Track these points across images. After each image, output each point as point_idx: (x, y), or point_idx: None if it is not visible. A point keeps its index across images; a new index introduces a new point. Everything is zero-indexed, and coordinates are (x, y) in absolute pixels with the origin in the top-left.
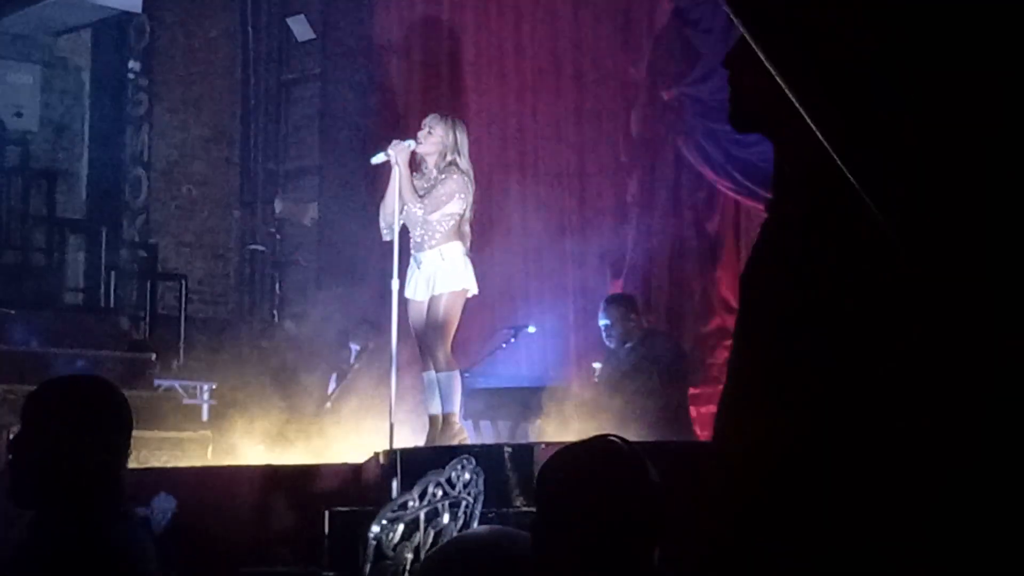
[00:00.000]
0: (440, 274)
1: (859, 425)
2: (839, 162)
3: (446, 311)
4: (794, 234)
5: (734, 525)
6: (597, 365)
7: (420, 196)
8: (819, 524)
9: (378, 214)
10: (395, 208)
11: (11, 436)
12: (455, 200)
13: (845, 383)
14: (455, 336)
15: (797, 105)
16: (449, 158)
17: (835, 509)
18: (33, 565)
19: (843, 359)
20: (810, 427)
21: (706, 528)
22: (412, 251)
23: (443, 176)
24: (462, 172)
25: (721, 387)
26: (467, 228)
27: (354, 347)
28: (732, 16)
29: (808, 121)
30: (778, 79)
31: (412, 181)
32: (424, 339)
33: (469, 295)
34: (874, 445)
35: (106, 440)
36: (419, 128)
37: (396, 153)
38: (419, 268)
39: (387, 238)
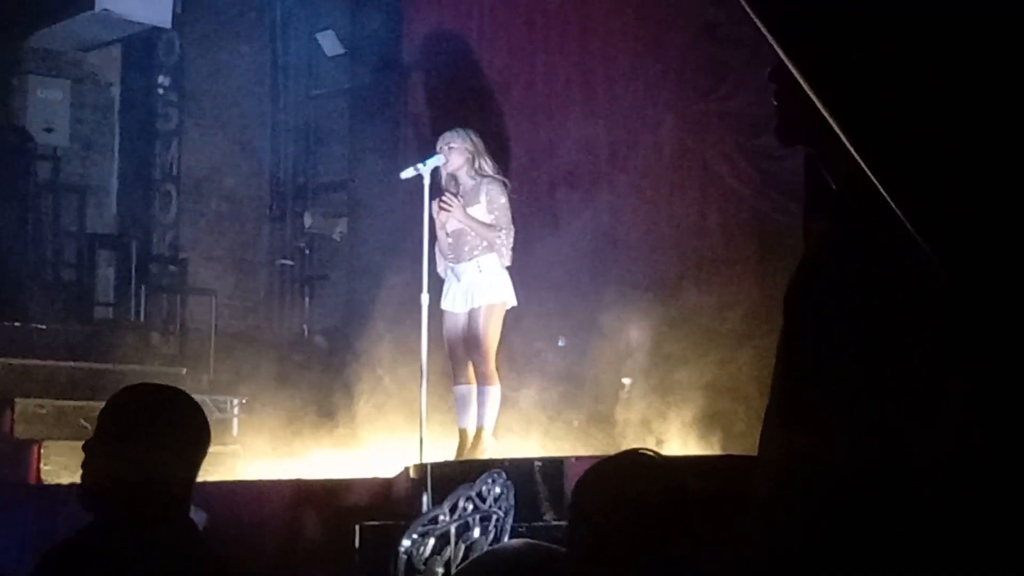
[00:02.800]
0: (478, 286)
1: (904, 436)
2: (872, 175)
3: (486, 324)
4: (841, 246)
5: (779, 539)
6: (627, 380)
7: (495, 227)
8: (866, 540)
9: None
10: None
11: (83, 442)
12: (507, 207)
13: (889, 395)
14: (498, 350)
15: (828, 117)
16: (477, 162)
17: (882, 524)
18: (85, 566)
19: (885, 371)
20: (854, 440)
21: (750, 543)
22: (450, 263)
23: (482, 186)
24: (495, 176)
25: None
26: (507, 235)
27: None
28: (762, 29)
29: (840, 133)
30: (809, 92)
31: (481, 223)
32: (459, 352)
33: (508, 307)
34: (920, 456)
35: (178, 454)
36: (440, 148)
37: (427, 171)
38: (458, 280)
39: (447, 274)
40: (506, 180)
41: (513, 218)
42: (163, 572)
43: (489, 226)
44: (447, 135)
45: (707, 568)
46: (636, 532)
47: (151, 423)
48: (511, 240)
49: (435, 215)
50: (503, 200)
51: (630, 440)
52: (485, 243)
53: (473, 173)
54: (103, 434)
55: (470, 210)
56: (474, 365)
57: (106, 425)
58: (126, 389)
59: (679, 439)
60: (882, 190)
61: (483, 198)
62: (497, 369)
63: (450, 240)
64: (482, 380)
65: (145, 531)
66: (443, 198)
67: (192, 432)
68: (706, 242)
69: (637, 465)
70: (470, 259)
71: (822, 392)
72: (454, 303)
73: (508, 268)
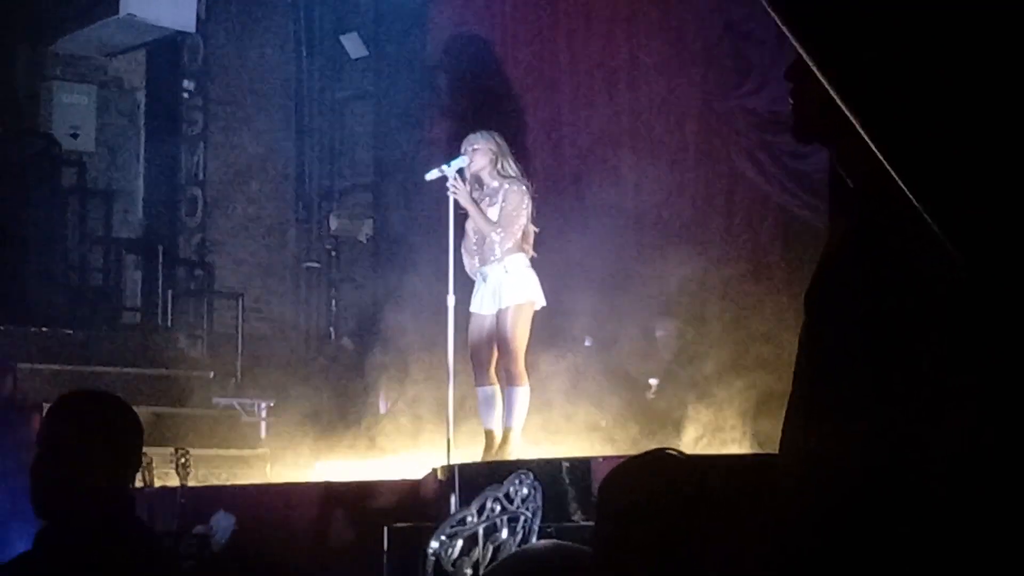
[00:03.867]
0: (506, 287)
1: (918, 438)
2: (893, 173)
3: (514, 324)
4: (856, 247)
5: (795, 538)
6: (654, 381)
7: (494, 223)
8: (881, 540)
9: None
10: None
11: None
12: (521, 213)
13: (901, 397)
14: (527, 350)
15: (849, 115)
16: (500, 163)
17: (896, 525)
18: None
19: (897, 373)
20: (868, 441)
21: (774, 541)
22: (478, 264)
23: (503, 187)
24: (517, 178)
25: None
26: (530, 238)
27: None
28: (782, 26)
29: (861, 131)
30: (830, 89)
31: (482, 213)
32: (483, 354)
33: (536, 307)
34: (941, 457)
35: (112, 455)
36: (464, 150)
37: (451, 173)
38: (484, 282)
39: (476, 277)
40: (528, 183)
41: (536, 218)
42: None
43: (488, 220)
44: (471, 136)
45: (730, 567)
46: (660, 531)
47: (78, 424)
48: (515, 241)
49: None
50: (518, 201)
51: (657, 440)
52: (510, 243)
53: (496, 174)
54: (44, 442)
55: (491, 210)
56: (503, 366)
57: (45, 434)
58: (60, 397)
59: (706, 438)
60: (903, 186)
61: (500, 199)
62: (526, 369)
63: (475, 241)
64: (511, 381)
65: (92, 534)
66: (450, 180)
67: (123, 436)
68: (732, 240)
69: (661, 464)
70: (495, 260)
71: (837, 393)
72: (482, 305)
73: (534, 267)
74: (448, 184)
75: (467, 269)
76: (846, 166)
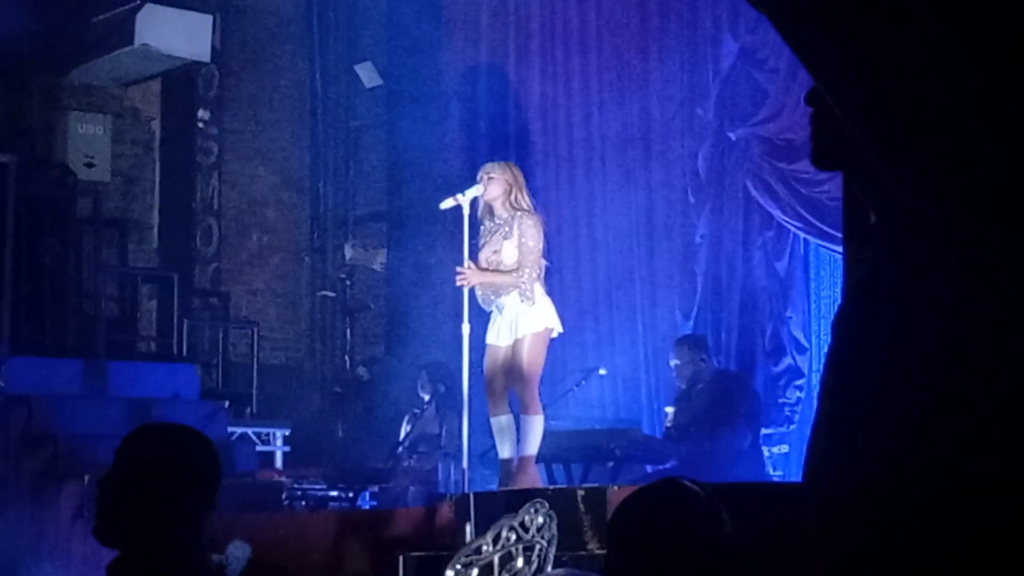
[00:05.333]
0: (523, 316)
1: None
2: (906, 197)
3: (530, 353)
4: (875, 282)
5: (829, 566)
6: (670, 409)
7: (515, 274)
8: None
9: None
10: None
11: (98, 478)
12: (540, 244)
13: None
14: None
15: (863, 139)
16: (514, 194)
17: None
18: None
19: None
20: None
21: (801, 570)
22: (492, 296)
23: (516, 218)
24: (530, 212)
25: (794, 427)
26: (543, 266)
27: (423, 394)
28: (794, 52)
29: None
30: (841, 116)
31: (501, 275)
32: (496, 384)
33: (554, 334)
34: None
35: (192, 489)
36: (480, 178)
37: (466, 201)
38: (500, 313)
39: (491, 308)
40: (541, 216)
41: (548, 251)
42: None
43: (508, 273)
44: (488, 165)
45: None
46: (673, 561)
47: (164, 462)
48: (537, 274)
49: (486, 246)
50: (536, 234)
51: (673, 469)
52: (525, 275)
53: (509, 206)
54: (117, 468)
55: (506, 243)
56: (517, 394)
57: (121, 459)
58: (141, 426)
59: (720, 466)
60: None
61: (515, 232)
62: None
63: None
64: (524, 409)
65: (157, 567)
66: (458, 268)
67: (203, 470)
68: (747, 268)
69: (675, 493)
70: (510, 292)
71: (857, 418)
72: (499, 336)
73: (550, 295)
74: (457, 279)
75: (480, 301)
76: (867, 194)
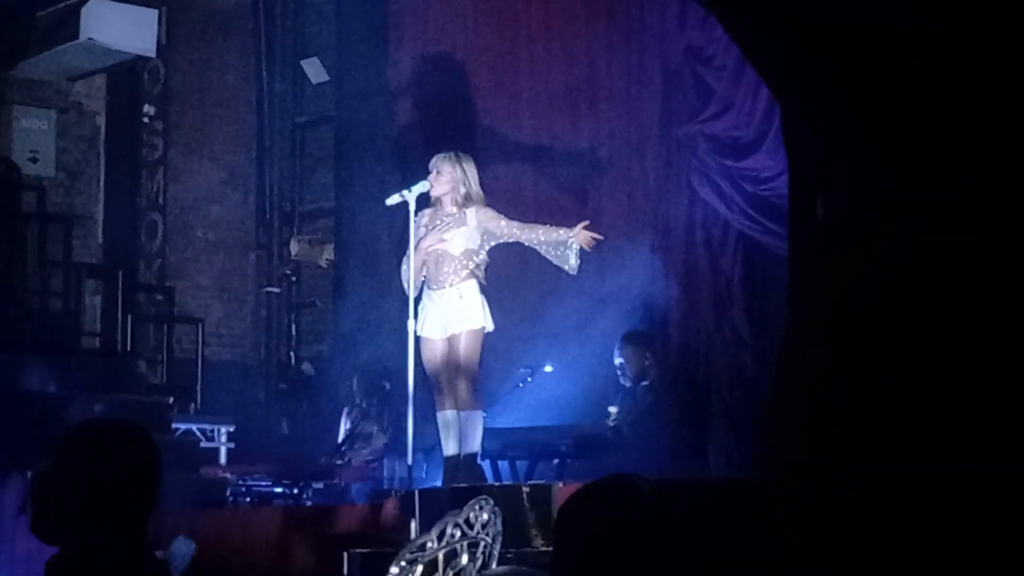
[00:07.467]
0: (457, 313)
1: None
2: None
3: (467, 350)
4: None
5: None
6: (613, 409)
7: (472, 249)
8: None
9: (398, 264)
10: (412, 266)
11: (34, 473)
12: (484, 231)
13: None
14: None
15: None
16: (463, 191)
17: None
18: None
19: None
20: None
21: (768, 564)
22: (427, 287)
23: (465, 212)
24: (482, 203)
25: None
26: (483, 266)
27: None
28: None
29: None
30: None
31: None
32: (442, 379)
33: (486, 332)
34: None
35: (132, 485)
36: (429, 171)
37: (412, 198)
38: (433, 304)
39: (410, 293)
40: (490, 207)
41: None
42: None
43: (473, 250)
44: (439, 158)
45: None
46: (619, 559)
47: (101, 451)
48: (469, 268)
49: (429, 235)
50: (489, 223)
51: (618, 466)
52: (466, 271)
53: (459, 199)
54: (56, 465)
55: (457, 231)
56: (458, 391)
57: (60, 456)
58: (81, 423)
59: (668, 464)
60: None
61: (469, 221)
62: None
63: (430, 265)
64: (466, 405)
65: (97, 564)
66: (592, 235)
67: (143, 466)
68: (694, 266)
69: (621, 490)
70: (450, 285)
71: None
72: (432, 330)
73: (486, 293)
74: (590, 240)
75: (429, 282)
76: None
